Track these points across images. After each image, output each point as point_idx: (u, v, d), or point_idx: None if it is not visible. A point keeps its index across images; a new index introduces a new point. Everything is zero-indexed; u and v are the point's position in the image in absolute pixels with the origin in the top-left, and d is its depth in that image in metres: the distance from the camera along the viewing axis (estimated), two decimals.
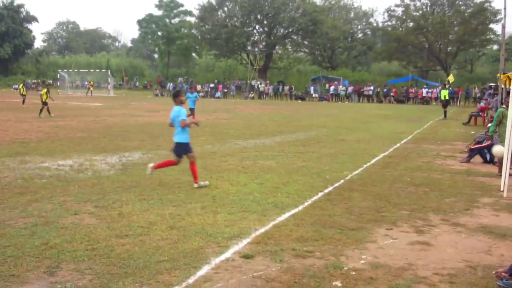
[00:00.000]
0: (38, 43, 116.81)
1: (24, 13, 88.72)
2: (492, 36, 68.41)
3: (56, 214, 7.75)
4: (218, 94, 63.86)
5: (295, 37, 78.77)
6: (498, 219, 8.24)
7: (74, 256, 5.96)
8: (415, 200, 9.41)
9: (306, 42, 79.19)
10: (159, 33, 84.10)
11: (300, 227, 7.35)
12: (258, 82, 65.60)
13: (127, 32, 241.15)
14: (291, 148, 16.17)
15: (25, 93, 36.02)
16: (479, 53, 75.78)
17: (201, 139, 17.66)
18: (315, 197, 9.34)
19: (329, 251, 6.40)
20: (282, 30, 77.33)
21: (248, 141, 18.07)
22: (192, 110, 23.34)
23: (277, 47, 78.70)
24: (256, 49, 71.49)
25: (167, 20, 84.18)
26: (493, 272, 5.73)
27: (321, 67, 77.02)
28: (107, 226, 7.20)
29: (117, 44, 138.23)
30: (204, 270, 5.66)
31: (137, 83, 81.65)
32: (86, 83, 68.12)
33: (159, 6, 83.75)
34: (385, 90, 58.43)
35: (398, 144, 17.99)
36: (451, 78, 40.05)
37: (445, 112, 32.62)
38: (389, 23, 75.72)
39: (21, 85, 39.29)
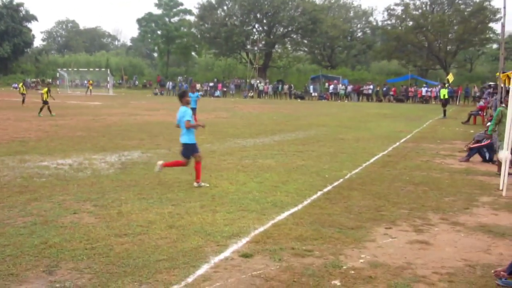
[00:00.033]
0: (38, 42, 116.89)
1: (23, 12, 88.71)
2: (491, 35, 68.42)
3: (55, 213, 7.75)
4: (218, 93, 63.85)
5: (294, 36, 78.78)
6: (497, 218, 8.25)
7: (73, 255, 5.96)
8: (414, 199, 9.41)
9: (305, 41, 79.19)
10: (159, 32, 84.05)
11: (299, 226, 7.36)
12: (258, 81, 65.58)
13: (127, 31, 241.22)
14: (290, 147, 16.17)
15: (25, 92, 36.00)
16: (479, 52, 75.82)
17: (201, 138, 17.60)
18: (314, 196, 9.35)
19: (328, 250, 6.40)
20: (281, 29, 77.33)
21: (248, 140, 18.08)
22: (193, 110, 23.27)
23: (276, 46, 78.72)
24: (256, 48, 71.44)
25: (167, 19, 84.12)
26: (492, 271, 5.74)
27: (321, 66, 77.02)
28: (106, 225, 7.20)
29: (116, 43, 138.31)
30: (203, 269, 5.66)
31: (137, 82, 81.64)
32: (85, 82, 68.11)
33: (158, 5, 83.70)
34: (384, 89, 58.41)
35: (398, 143, 18.00)
36: (450, 78, 40.02)
37: (444, 111, 32.62)
38: (389, 22, 75.72)
39: (21, 84, 39.25)
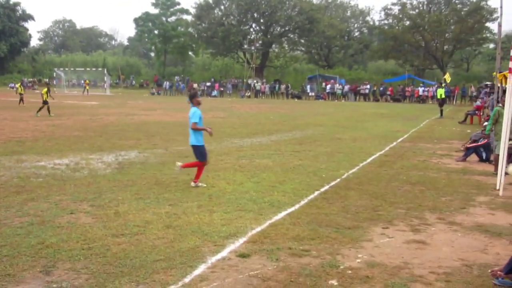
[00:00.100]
0: (34, 42, 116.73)
1: (20, 12, 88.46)
2: (488, 35, 68.55)
3: (52, 213, 7.74)
4: (215, 92, 63.77)
5: (291, 36, 78.78)
6: (494, 218, 8.26)
7: (70, 255, 5.96)
8: (411, 198, 9.42)
9: (302, 41, 79.23)
10: (156, 32, 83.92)
11: (296, 226, 7.36)
12: (255, 81, 65.55)
13: (124, 31, 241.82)
14: (287, 147, 16.17)
15: (22, 92, 35.95)
16: (475, 51, 76.03)
17: None
18: (312, 196, 9.35)
19: (325, 250, 6.41)
20: (278, 29, 77.36)
21: (245, 139, 18.07)
22: None
23: (273, 45, 78.76)
24: (253, 48, 71.42)
25: (164, 19, 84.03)
26: (489, 270, 5.75)
27: (318, 66, 77.08)
28: (103, 225, 7.19)
29: (113, 42, 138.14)
30: (201, 269, 5.66)
31: (134, 82, 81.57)
32: (82, 81, 67.97)
33: (155, 4, 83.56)
34: (381, 88, 58.48)
35: (394, 143, 18.02)
36: (447, 78, 40.10)
37: (441, 111, 32.65)
38: (386, 21, 75.82)
39: (18, 85, 39.25)
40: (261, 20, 76.01)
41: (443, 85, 37.79)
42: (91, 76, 71.47)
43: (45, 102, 26.81)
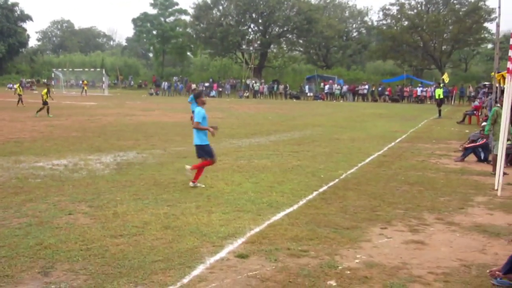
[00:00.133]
0: (33, 42, 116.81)
1: (18, 12, 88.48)
2: (486, 35, 68.61)
3: (50, 214, 7.72)
4: (213, 93, 63.76)
5: (290, 36, 78.82)
6: (492, 218, 8.27)
7: (68, 256, 5.95)
8: (410, 199, 9.43)
9: (301, 41, 79.27)
10: (154, 32, 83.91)
11: (295, 227, 7.36)
12: (253, 81, 65.62)
13: (122, 31, 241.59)
14: (286, 147, 16.17)
15: (21, 93, 35.93)
16: (474, 51, 76.06)
17: None
18: (310, 196, 9.35)
19: (324, 250, 6.41)
20: (277, 29, 77.39)
21: (243, 140, 18.07)
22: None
23: (272, 46, 78.73)
24: (251, 48, 71.42)
25: (162, 19, 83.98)
26: (487, 270, 5.75)
27: (316, 66, 77.11)
28: (102, 226, 7.19)
29: (112, 43, 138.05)
30: (199, 269, 5.65)
31: (132, 82, 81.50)
32: (80, 82, 67.90)
33: (154, 5, 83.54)
34: (379, 89, 58.56)
35: (393, 143, 18.03)
36: (446, 78, 40.11)
37: (439, 111, 32.68)
38: (384, 21, 75.88)
39: (17, 85, 39.24)
40: (260, 21, 76.05)
41: (441, 85, 37.80)
42: (89, 77, 71.47)
43: (45, 103, 26.82)
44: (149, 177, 10.74)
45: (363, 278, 5.54)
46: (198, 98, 10.27)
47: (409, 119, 30.17)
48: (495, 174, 10.89)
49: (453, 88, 52.89)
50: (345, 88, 59.56)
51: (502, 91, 13.89)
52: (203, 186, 9.93)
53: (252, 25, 78.27)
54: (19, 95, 35.48)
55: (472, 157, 14.65)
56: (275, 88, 63.14)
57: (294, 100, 57.66)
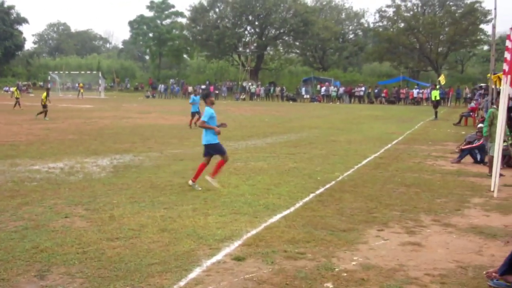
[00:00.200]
0: (29, 45, 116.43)
1: (14, 15, 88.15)
2: (482, 37, 68.68)
3: (46, 217, 7.71)
4: None
5: (286, 38, 78.80)
6: (489, 219, 8.28)
7: (64, 260, 5.93)
8: (406, 200, 9.44)
9: (297, 43, 79.25)
10: (151, 35, 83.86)
11: (291, 229, 7.36)
12: (250, 83, 65.60)
13: (118, 34, 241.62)
14: (282, 149, 16.17)
15: (18, 96, 35.92)
16: (470, 53, 76.20)
17: (192, 141, 17.59)
18: (307, 199, 9.35)
19: (321, 252, 6.41)
20: (273, 31, 77.40)
21: (239, 142, 18.06)
22: (199, 114, 22.23)
23: (268, 48, 78.73)
24: (248, 50, 71.45)
25: (159, 21, 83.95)
26: (484, 272, 5.76)
27: (313, 68, 77.20)
28: (98, 229, 7.17)
29: (108, 45, 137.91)
30: (196, 272, 5.65)
31: (128, 85, 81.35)
32: (76, 85, 67.77)
33: (150, 7, 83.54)
34: (376, 90, 58.57)
35: (389, 145, 18.05)
36: (442, 80, 40.22)
37: (436, 113, 32.76)
38: (380, 23, 75.84)
39: (15, 89, 39.23)
40: (256, 23, 76.04)
41: (437, 87, 37.93)
42: (85, 79, 71.39)
43: (44, 106, 26.85)
44: (146, 180, 10.73)
45: (360, 280, 5.54)
46: (207, 98, 10.41)
47: (405, 121, 30.22)
48: (491, 175, 10.92)
49: (450, 89, 53.01)
50: (341, 90, 59.60)
51: (498, 93, 13.91)
52: (200, 188, 9.92)
53: (248, 27, 78.25)
54: (17, 98, 35.45)
55: (468, 158, 14.67)
56: (271, 90, 63.15)
57: (291, 102, 57.70)
